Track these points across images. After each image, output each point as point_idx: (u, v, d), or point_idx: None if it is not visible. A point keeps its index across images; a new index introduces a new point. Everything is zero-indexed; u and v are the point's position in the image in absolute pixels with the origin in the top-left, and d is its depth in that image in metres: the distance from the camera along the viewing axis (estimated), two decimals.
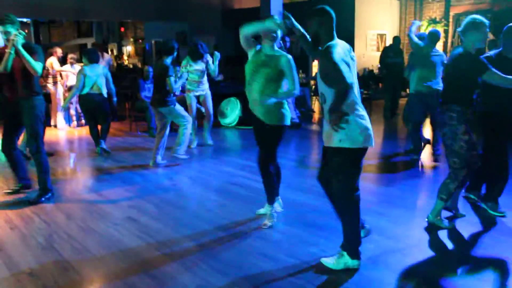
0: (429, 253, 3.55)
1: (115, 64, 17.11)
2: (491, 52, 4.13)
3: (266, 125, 3.95)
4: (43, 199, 4.92)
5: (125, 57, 22.32)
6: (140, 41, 21.32)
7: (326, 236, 3.86)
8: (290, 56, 3.92)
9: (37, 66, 4.65)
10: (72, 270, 3.37)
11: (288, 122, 3.99)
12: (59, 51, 9.43)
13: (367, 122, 3.14)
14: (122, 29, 22.99)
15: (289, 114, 4.03)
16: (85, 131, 9.32)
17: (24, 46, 4.60)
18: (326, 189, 3.46)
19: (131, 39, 22.72)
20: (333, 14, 3.18)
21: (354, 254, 3.24)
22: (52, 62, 9.18)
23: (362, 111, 3.15)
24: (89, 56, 7.11)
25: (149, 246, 3.75)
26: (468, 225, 4.05)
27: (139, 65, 20.24)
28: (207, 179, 5.71)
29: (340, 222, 3.29)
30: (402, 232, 3.93)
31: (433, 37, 6.15)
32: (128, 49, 23.16)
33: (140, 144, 7.95)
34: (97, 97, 7.02)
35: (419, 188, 5.38)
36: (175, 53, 6.13)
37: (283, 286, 3.07)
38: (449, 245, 3.72)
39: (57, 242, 3.90)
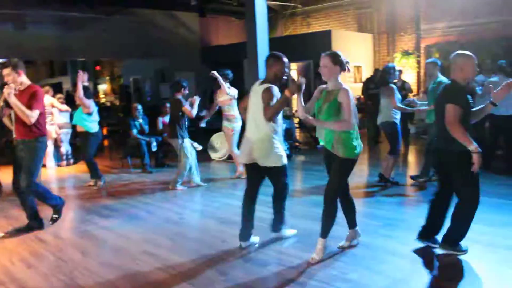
0: (443, 269, 3.77)
1: None
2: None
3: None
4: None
5: (101, 95, 22.33)
6: (118, 78, 21.41)
7: (339, 258, 4.05)
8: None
9: (30, 115, 4.87)
10: None
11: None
12: (51, 90, 9.52)
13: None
14: (98, 68, 23.06)
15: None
16: (74, 169, 9.35)
17: (26, 89, 4.84)
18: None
19: (107, 77, 22.79)
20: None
21: None
22: (53, 102, 9.22)
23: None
24: (85, 92, 7.31)
25: (174, 278, 3.85)
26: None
27: (117, 103, 20.29)
28: (212, 211, 5.84)
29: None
30: (412, 252, 4.15)
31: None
32: (104, 87, 23.19)
33: (136, 179, 8.02)
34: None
35: (416, 211, 5.63)
36: (186, 91, 6.98)
37: None
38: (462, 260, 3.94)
39: (79, 278, 3.95)
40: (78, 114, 7.45)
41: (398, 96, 6.52)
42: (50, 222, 5.44)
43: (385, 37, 14.32)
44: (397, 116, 6.56)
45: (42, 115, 5.10)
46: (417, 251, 4.15)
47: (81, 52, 14.99)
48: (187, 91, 7.05)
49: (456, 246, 4.01)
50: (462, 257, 3.97)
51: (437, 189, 4.21)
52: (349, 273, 3.74)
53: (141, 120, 9.06)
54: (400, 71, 11.04)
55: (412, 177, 6.86)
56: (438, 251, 4.07)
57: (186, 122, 7.03)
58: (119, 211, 6.02)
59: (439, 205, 4.14)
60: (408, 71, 13.52)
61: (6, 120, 5.31)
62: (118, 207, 6.22)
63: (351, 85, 13.70)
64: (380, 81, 6.84)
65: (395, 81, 6.74)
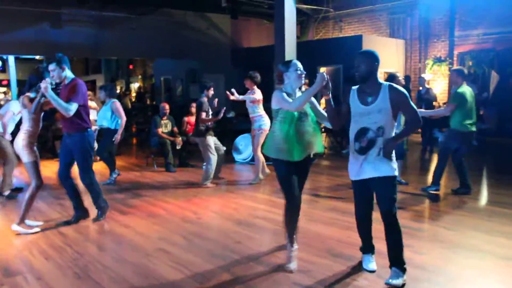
0: (455, 280, 3.68)
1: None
2: None
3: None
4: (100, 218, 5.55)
5: (133, 94, 22.73)
6: (150, 78, 21.76)
7: (354, 266, 4.00)
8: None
9: (67, 108, 4.94)
10: None
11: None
12: None
13: None
14: (131, 66, 23.50)
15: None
16: (100, 165, 9.50)
17: (70, 82, 4.99)
18: (366, 225, 3.94)
19: (139, 76, 23.20)
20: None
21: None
22: None
23: None
24: (111, 91, 7.55)
25: (185, 277, 3.88)
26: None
27: (148, 102, 20.61)
28: (230, 212, 5.87)
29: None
30: (426, 261, 4.07)
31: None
32: (136, 85, 23.61)
33: (158, 178, 8.13)
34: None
35: (434, 220, 5.53)
36: (211, 91, 7.22)
37: None
38: (471, 274, 3.84)
39: (93, 271, 4.03)
40: (103, 113, 7.68)
41: None
42: (93, 221, 5.54)
43: (417, 43, 14.10)
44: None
45: (85, 108, 5.19)
46: (432, 260, 4.08)
47: (114, 51, 15.32)
48: (211, 92, 7.23)
49: None
50: (475, 267, 3.89)
51: None
52: (359, 279, 3.70)
53: (167, 120, 9.18)
54: (423, 78, 10.93)
55: (454, 191, 6.60)
56: None
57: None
58: (138, 208, 6.11)
59: None
60: (440, 78, 13.28)
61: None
62: (138, 205, 6.31)
63: None
64: None
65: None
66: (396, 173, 3.63)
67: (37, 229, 5.20)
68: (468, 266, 3.96)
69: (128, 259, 4.34)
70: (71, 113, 4.99)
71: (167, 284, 3.74)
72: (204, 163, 8.40)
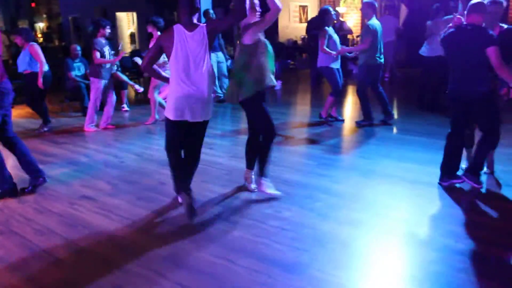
0: (370, 205, 4.01)
1: None
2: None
3: None
4: None
5: (38, 35, 21.21)
6: (57, 17, 20.32)
7: (274, 198, 4.20)
8: None
9: None
10: (40, 251, 3.44)
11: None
12: None
13: (178, 98, 3.74)
14: (33, 4, 21.74)
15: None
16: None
17: None
18: None
19: (44, 15, 21.59)
20: None
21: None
22: None
23: (183, 88, 3.70)
24: (28, 35, 7.13)
25: (112, 221, 3.89)
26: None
27: (56, 43, 19.36)
28: (153, 154, 5.87)
29: None
30: (343, 190, 4.38)
31: None
32: (41, 26, 21.98)
33: (75, 124, 7.86)
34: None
35: (350, 150, 5.88)
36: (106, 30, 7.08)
37: (246, 243, 3.38)
38: (384, 198, 4.19)
39: (15, 226, 3.90)
40: (22, 58, 7.14)
41: (334, 38, 6.72)
42: None
43: None
44: (333, 60, 6.77)
45: None
46: (349, 188, 4.38)
47: None
48: (108, 30, 7.13)
49: (478, 176, 4.24)
50: (387, 192, 4.25)
51: (455, 129, 4.28)
52: (282, 211, 3.91)
53: (80, 63, 8.76)
54: (337, 12, 11.11)
55: (358, 123, 7.00)
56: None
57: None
58: (58, 157, 5.92)
59: (459, 144, 4.32)
60: (353, 11, 13.56)
61: None
62: (57, 152, 6.11)
63: (297, 25, 13.64)
64: (317, 25, 7.00)
65: (334, 22, 6.86)
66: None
67: None
68: (381, 192, 4.31)
69: (52, 209, 4.24)
70: None
71: (95, 231, 3.73)
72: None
